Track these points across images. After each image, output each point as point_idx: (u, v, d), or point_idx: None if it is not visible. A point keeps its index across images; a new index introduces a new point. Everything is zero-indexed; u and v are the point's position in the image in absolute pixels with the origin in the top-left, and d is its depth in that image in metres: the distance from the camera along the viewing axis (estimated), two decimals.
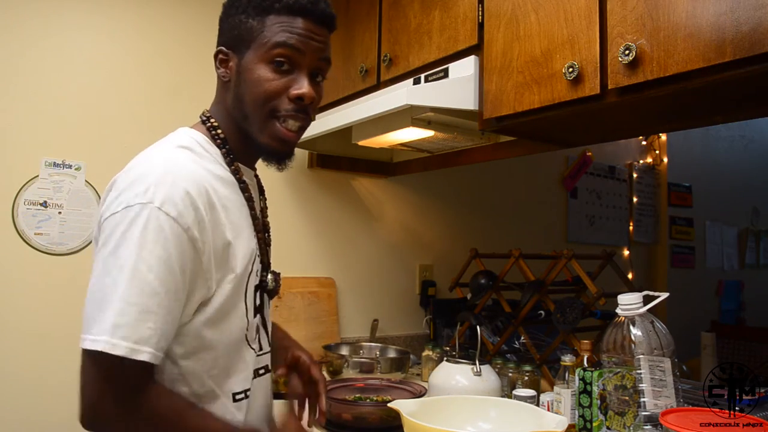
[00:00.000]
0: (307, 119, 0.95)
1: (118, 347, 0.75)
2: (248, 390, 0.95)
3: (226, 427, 0.86)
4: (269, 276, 0.98)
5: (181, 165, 0.86)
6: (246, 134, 0.95)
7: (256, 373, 0.99)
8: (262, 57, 0.89)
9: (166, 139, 0.94)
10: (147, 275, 0.77)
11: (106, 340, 0.75)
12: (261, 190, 1.06)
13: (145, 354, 0.76)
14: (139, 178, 0.81)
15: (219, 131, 0.95)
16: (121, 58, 1.85)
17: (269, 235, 1.04)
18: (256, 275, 0.95)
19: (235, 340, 0.92)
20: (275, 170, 1.01)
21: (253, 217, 0.96)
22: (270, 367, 1.05)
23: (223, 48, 0.94)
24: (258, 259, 0.96)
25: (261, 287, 0.97)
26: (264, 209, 1.05)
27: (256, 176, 1.05)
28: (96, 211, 1.76)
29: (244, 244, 0.91)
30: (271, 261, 1.03)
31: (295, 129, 0.93)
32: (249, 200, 0.96)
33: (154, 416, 0.81)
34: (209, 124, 0.96)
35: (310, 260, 2.19)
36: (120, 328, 0.75)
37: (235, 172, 0.95)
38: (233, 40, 0.93)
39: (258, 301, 0.96)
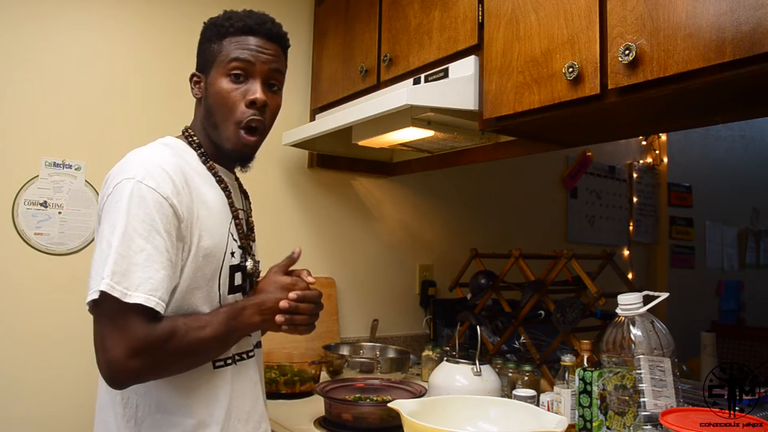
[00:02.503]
0: (262, 124, 1.08)
1: (115, 290, 0.86)
2: (228, 359, 1.05)
3: (213, 315, 0.98)
4: (249, 261, 1.09)
5: (159, 154, 1.00)
6: (216, 142, 1.09)
7: (241, 356, 1.08)
8: (222, 72, 1.05)
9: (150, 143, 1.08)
10: (133, 235, 0.89)
11: (106, 282, 0.86)
12: (245, 195, 1.19)
13: (138, 297, 0.87)
14: (124, 164, 0.97)
15: (195, 138, 1.10)
16: (121, 59, 1.85)
17: (253, 233, 1.15)
18: (232, 256, 1.05)
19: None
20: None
21: (230, 204, 1.08)
22: (249, 355, 1.11)
23: (196, 72, 1.11)
24: (236, 244, 1.07)
25: (241, 269, 1.07)
26: (248, 211, 1.18)
27: (238, 180, 1.18)
28: (95, 211, 1.76)
29: (217, 223, 1.03)
30: (255, 255, 1.15)
31: (254, 130, 1.07)
32: (225, 189, 1.08)
33: (162, 349, 0.91)
34: (187, 133, 1.11)
35: (310, 260, 2.19)
36: (116, 274, 0.87)
37: (211, 168, 1.08)
38: (202, 63, 1.10)
39: (238, 281, 1.07)
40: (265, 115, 1.07)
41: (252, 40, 1.06)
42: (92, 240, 1.76)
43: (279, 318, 1.03)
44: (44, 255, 1.70)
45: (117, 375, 0.88)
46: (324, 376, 1.84)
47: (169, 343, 0.91)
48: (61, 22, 1.75)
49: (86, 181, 1.76)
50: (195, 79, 1.11)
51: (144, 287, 0.88)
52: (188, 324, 0.94)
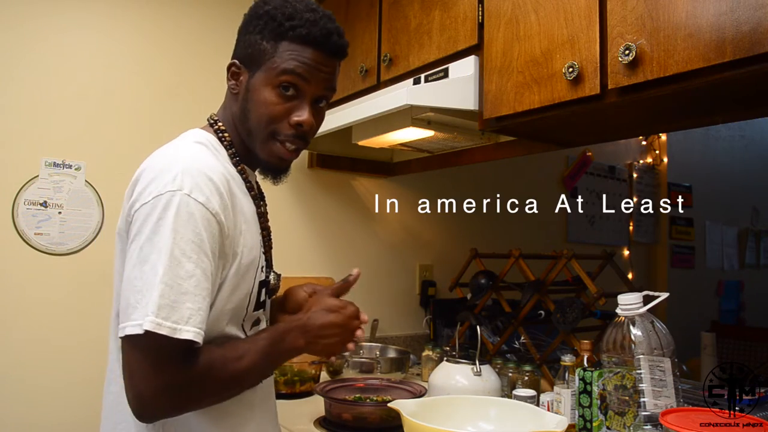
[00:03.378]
0: (304, 144, 1.00)
1: (163, 327, 0.78)
2: None
3: (252, 343, 0.90)
4: (272, 274, 1.03)
5: (202, 158, 0.90)
6: (248, 145, 1.00)
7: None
8: (269, 80, 0.94)
9: (182, 136, 0.98)
10: (181, 258, 0.80)
11: (151, 320, 0.77)
12: (261, 196, 1.09)
13: (188, 333, 0.79)
14: (165, 169, 0.85)
15: (226, 134, 0.99)
16: (122, 58, 1.85)
17: (270, 238, 1.07)
18: (262, 271, 0.98)
19: (231, 331, 0.93)
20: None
21: (259, 215, 1.00)
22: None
23: (237, 62, 0.98)
24: (263, 257, 1.00)
25: (265, 284, 1.00)
26: (264, 214, 1.08)
27: (257, 182, 1.08)
28: (95, 211, 1.76)
29: (253, 237, 0.95)
30: (272, 262, 1.07)
31: (293, 150, 0.99)
32: (255, 198, 1.00)
33: (197, 386, 0.84)
34: (216, 127, 1.00)
35: (310, 260, 2.19)
36: (163, 308, 0.78)
37: (242, 172, 0.99)
38: (247, 57, 0.96)
39: (262, 297, 1.00)
40: (307, 135, 0.99)
41: (311, 54, 0.93)
42: (92, 240, 1.76)
43: (351, 346, 1.00)
44: (44, 255, 1.70)
45: (146, 411, 0.81)
46: (324, 376, 1.84)
47: (205, 380, 0.84)
48: (61, 22, 1.75)
49: (86, 181, 1.76)
50: (234, 69, 0.97)
51: (194, 320, 0.80)
52: (225, 356, 0.85)
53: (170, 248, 0.80)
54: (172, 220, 0.81)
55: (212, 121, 1.01)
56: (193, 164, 0.86)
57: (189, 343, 0.80)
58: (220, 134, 0.99)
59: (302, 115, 0.95)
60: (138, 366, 0.80)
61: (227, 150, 0.98)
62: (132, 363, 0.81)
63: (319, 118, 1.00)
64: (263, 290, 0.99)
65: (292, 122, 0.95)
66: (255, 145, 0.98)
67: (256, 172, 1.07)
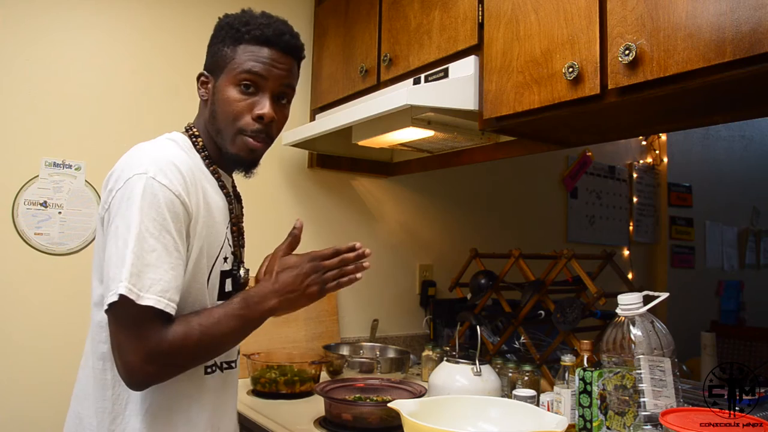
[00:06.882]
0: (268, 139, 1.06)
1: (132, 292, 0.85)
2: (216, 366, 1.05)
3: (226, 307, 0.96)
4: (241, 270, 1.09)
5: (169, 150, 0.99)
6: (219, 146, 1.07)
7: (229, 364, 1.08)
8: (231, 80, 1.02)
9: (158, 137, 1.06)
10: (145, 234, 0.88)
11: (124, 285, 0.85)
12: (238, 199, 1.16)
13: (149, 299, 0.86)
14: (133, 159, 0.95)
15: (200, 140, 1.08)
16: (122, 58, 1.85)
17: (243, 238, 1.13)
18: (224, 261, 1.05)
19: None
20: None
21: (230, 210, 1.08)
22: (235, 365, 1.12)
23: (205, 72, 1.07)
24: (229, 249, 1.06)
25: (231, 275, 1.07)
26: (240, 216, 1.15)
27: (233, 184, 1.16)
28: (95, 211, 1.76)
29: (218, 227, 1.02)
30: (244, 260, 1.13)
31: (260, 142, 1.05)
32: (227, 196, 1.07)
33: (177, 352, 0.90)
34: (191, 132, 1.09)
35: None
36: (132, 276, 0.86)
37: (214, 172, 1.07)
38: (212, 65, 1.06)
39: (229, 288, 1.06)
40: (271, 129, 1.05)
41: (267, 52, 1.01)
42: (92, 240, 1.76)
43: (343, 280, 1.05)
44: (44, 255, 1.70)
45: (135, 378, 0.89)
46: (324, 376, 1.84)
47: (184, 346, 0.90)
48: (61, 21, 1.75)
49: (86, 181, 1.76)
50: (203, 79, 1.07)
51: (155, 288, 0.87)
52: (201, 323, 0.92)
53: (138, 225, 0.88)
54: (139, 199, 0.89)
55: (188, 128, 1.09)
56: (160, 153, 0.95)
57: (155, 310, 0.87)
58: (194, 139, 1.07)
59: (263, 108, 1.02)
60: (123, 337, 0.88)
61: (200, 153, 1.06)
62: (116, 335, 0.88)
63: (281, 114, 1.07)
64: (228, 281, 1.06)
65: (254, 116, 1.02)
66: (225, 142, 1.04)
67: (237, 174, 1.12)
